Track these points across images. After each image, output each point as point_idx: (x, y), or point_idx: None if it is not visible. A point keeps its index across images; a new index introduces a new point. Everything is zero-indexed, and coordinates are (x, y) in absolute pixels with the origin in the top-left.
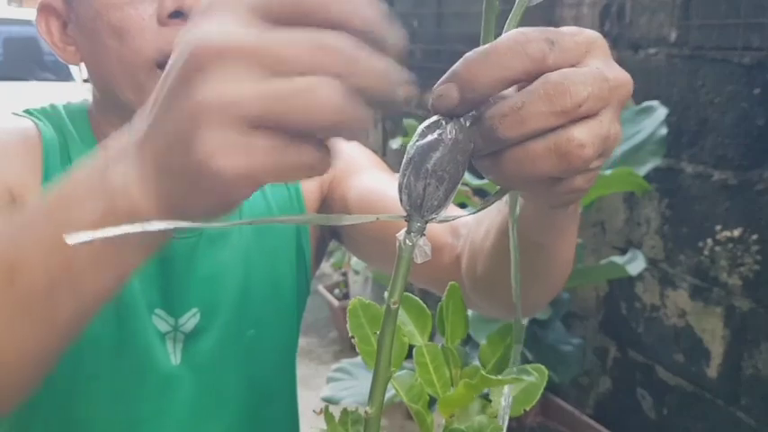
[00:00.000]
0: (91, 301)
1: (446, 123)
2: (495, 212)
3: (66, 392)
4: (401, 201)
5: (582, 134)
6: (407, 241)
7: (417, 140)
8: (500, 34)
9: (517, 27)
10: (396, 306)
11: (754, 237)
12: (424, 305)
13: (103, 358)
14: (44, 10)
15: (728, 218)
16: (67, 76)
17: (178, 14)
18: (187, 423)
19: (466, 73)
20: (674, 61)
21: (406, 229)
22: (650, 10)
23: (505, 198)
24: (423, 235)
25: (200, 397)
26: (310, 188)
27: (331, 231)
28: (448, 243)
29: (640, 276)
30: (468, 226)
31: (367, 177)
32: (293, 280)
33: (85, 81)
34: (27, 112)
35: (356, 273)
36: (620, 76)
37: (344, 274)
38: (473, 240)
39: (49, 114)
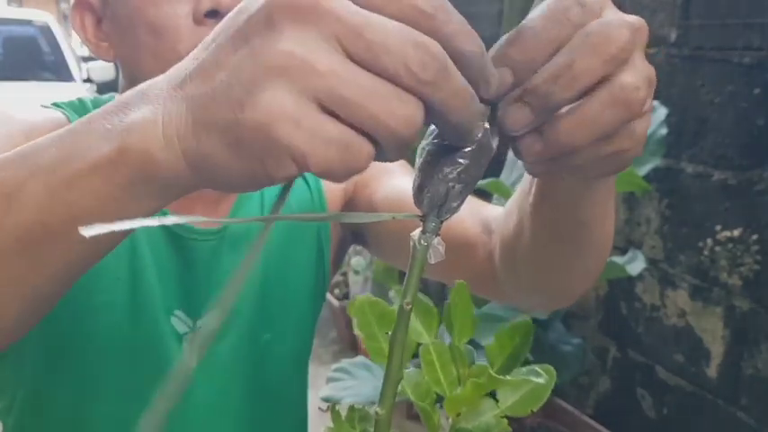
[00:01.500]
0: (86, 248)
1: (484, 133)
2: (522, 198)
3: (80, 389)
4: (418, 201)
5: (632, 77)
6: (422, 241)
7: (438, 142)
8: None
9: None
10: (409, 307)
11: (754, 237)
12: (431, 304)
13: (119, 356)
14: (79, 6)
15: (728, 218)
16: (67, 76)
17: (214, 14)
18: (199, 424)
19: (519, 55)
20: (674, 61)
21: (420, 228)
22: (650, 10)
23: (529, 180)
24: (437, 235)
25: (213, 398)
26: (333, 189)
27: (354, 235)
28: (481, 240)
29: (640, 276)
30: (498, 220)
31: (395, 180)
32: (311, 285)
33: (86, 81)
34: (55, 104)
35: (356, 273)
36: (637, 20)
37: (344, 274)
38: (505, 233)
39: (76, 107)
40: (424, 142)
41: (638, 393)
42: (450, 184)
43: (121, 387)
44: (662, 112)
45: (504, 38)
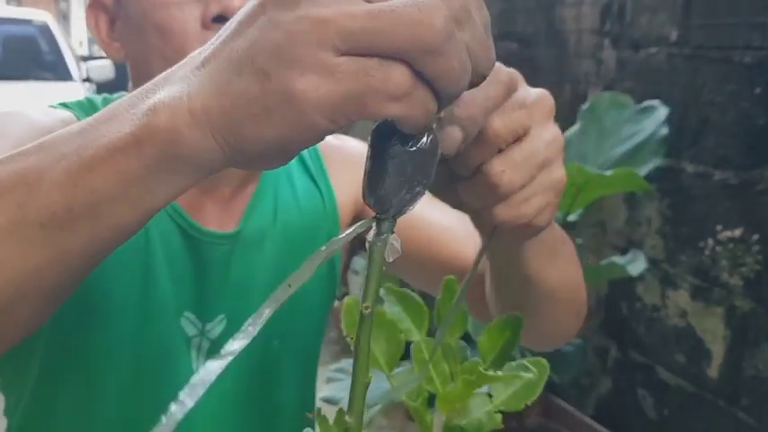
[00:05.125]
0: (108, 234)
1: (424, 132)
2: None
3: (86, 389)
4: (372, 202)
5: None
6: (378, 243)
7: (397, 145)
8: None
9: None
10: (369, 311)
11: (755, 237)
12: (421, 300)
13: (127, 357)
14: (94, 5)
15: (729, 218)
16: (66, 76)
17: (222, 19)
18: (204, 429)
19: (466, 115)
20: (675, 61)
21: (374, 231)
22: (651, 9)
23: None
24: (393, 232)
25: (218, 404)
26: (345, 200)
27: (361, 243)
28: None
29: (641, 276)
30: None
31: None
32: (322, 293)
33: (85, 81)
34: (63, 105)
35: (355, 273)
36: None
37: (344, 275)
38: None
39: (85, 107)
40: (373, 141)
41: (638, 394)
42: (410, 185)
43: (128, 387)
44: (663, 111)
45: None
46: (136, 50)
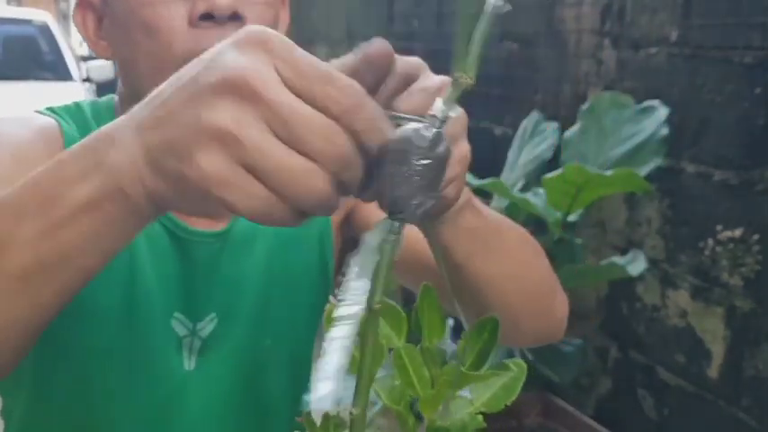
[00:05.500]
0: (78, 277)
1: (441, 139)
2: None
3: (79, 390)
4: (388, 205)
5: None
6: (389, 242)
7: (419, 152)
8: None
9: (486, 40)
10: (378, 307)
11: (756, 237)
12: (399, 307)
13: (119, 358)
14: (82, 4)
15: (729, 218)
16: (66, 76)
17: (208, 17)
18: (196, 428)
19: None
20: (675, 61)
21: (386, 231)
22: (651, 9)
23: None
24: (400, 234)
25: (211, 403)
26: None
27: (354, 241)
28: None
29: (641, 276)
30: None
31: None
32: (314, 292)
33: (85, 80)
34: (50, 110)
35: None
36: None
37: (344, 274)
38: None
39: (72, 113)
40: (392, 146)
41: (638, 394)
42: (426, 192)
43: (120, 388)
44: (663, 111)
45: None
46: (123, 49)
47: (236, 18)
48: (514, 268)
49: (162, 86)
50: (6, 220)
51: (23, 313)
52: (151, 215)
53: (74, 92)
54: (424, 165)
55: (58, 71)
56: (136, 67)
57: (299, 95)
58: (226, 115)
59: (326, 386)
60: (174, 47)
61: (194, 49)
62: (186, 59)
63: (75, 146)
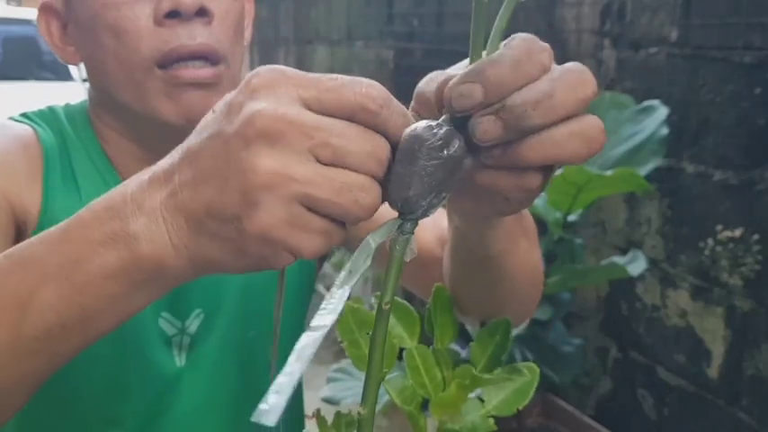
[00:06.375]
0: (97, 336)
1: (454, 138)
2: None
3: (67, 390)
4: (399, 204)
5: (598, 121)
6: (401, 242)
7: (431, 151)
8: (488, 33)
9: (507, 25)
10: (388, 307)
11: (756, 237)
12: (412, 308)
13: (107, 358)
14: (45, 10)
15: (729, 218)
16: (67, 76)
17: (174, 14)
18: (189, 423)
19: (494, 77)
20: (675, 61)
21: (397, 230)
22: (651, 9)
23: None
24: (412, 233)
25: (203, 397)
26: None
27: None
28: (437, 256)
29: (641, 276)
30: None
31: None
32: (296, 280)
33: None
34: (24, 116)
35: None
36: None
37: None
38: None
39: (47, 118)
40: (403, 145)
41: (638, 394)
42: (437, 191)
43: (109, 388)
44: (663, 111)
45: (484, 59)
46: (90, 53)
47: (202, 14)
48: (532, 256)
49: (184, 145)
50: (30, 279)
51: (38, 368)
52: (190, 278)
53: (73, 92)
54: (436, 164)
55: (57, 71)
56: (105, 69)
57: (327, 112)
58: (268, 161)
59: (274, 400)
60: (141, 47)
61: (162, 47)
62: (154, 58)
63: (105, 198)
